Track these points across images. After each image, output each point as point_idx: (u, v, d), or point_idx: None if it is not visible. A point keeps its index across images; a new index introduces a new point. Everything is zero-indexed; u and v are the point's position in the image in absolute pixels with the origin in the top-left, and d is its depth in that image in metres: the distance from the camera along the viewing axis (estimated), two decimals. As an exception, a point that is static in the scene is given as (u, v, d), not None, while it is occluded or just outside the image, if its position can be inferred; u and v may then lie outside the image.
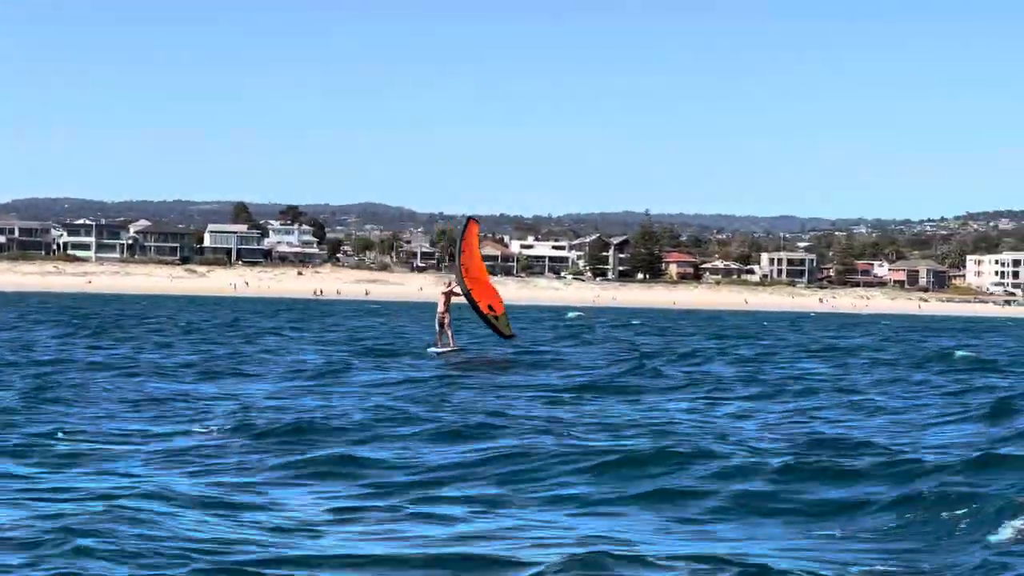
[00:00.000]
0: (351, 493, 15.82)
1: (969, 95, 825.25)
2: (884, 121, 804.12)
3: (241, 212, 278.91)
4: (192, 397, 26.93)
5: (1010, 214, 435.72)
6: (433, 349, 45.24)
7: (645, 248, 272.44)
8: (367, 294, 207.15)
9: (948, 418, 24.90)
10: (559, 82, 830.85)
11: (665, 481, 16.40)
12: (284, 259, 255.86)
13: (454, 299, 45.00)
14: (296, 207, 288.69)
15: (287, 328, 68.64)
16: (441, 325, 45.17)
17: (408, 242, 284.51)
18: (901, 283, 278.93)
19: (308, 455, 18.32)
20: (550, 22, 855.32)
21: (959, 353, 51.16)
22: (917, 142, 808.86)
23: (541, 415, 24.28)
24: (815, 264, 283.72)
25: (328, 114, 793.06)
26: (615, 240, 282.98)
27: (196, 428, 21.29)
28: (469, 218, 47.42)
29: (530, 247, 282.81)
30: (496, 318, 45.28)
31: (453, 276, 46.77)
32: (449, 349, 44.71)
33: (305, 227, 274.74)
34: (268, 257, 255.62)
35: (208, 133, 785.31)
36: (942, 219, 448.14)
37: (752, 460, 17.78)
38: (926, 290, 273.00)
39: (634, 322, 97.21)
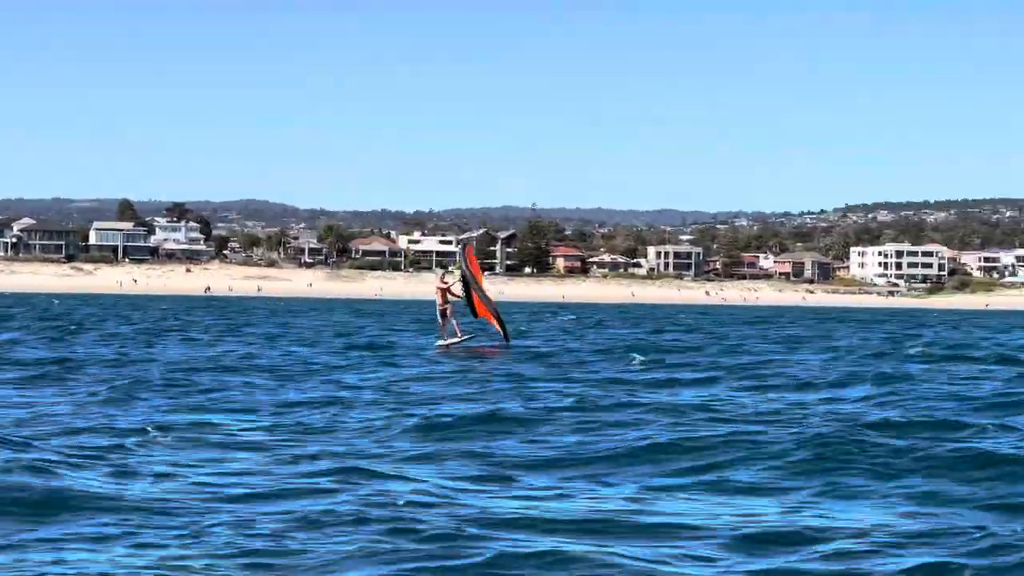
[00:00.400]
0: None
1: (844, 91, 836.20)
2: (763, 115, 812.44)
3: (126, 210, 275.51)
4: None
5: (888, 206, 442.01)
6: (440, 342, 44.60)
7: (532, 242, 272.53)
8: (259, 290, 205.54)
9: None
10: (434, 77, 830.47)
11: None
12: (171, 256, 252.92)
13: (452, 297, 44.42)
14: (182, 204, 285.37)
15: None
16: (444, 316, 44.47)
17: (296, 238, 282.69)
18: (787, 275, 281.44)
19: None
20: (425, 16, 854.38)
21: None
22: (795, 136, 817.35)
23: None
24: (701, 257, 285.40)
25: (207, 111, 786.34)
26: (502, 235, 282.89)
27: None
28: (465, 244, 47.86)
29: (417, 242, 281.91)
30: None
31: (445, 272, 46.68)
32: (457, 340, 44.18)
33: (192, 224, 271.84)
34: (155, 254, 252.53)
35: (86, 132, 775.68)
36: (821, 211, 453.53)
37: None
38: (812, 281, 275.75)
39: (565, 316, 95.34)
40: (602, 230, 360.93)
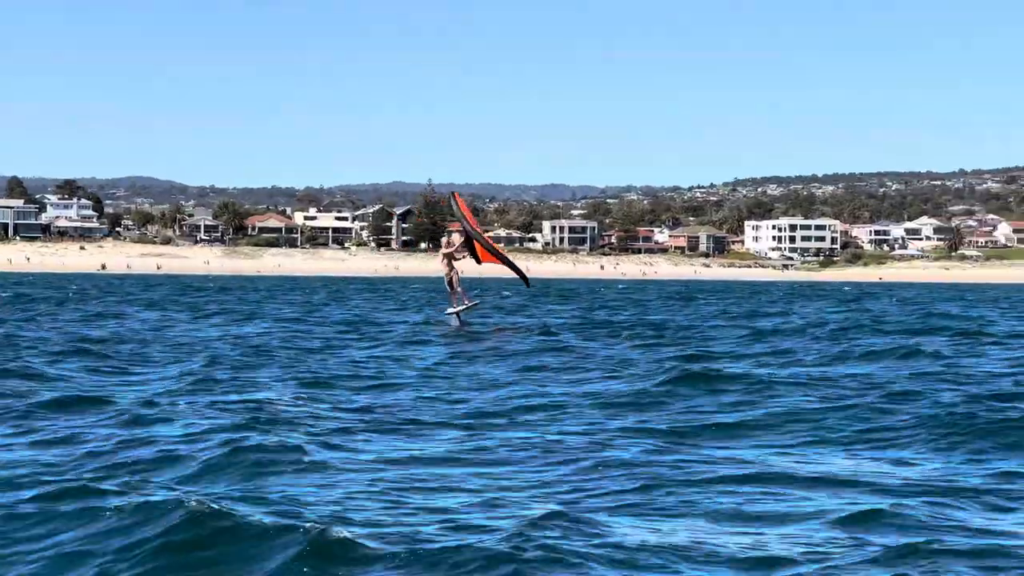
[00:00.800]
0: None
1: (729, 66, 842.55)
2: (652, 90, 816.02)
3: (16, 187, 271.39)
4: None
5: (777, 180, 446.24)
6: (451, 310, 43.86)
7: (428, 218, 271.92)
8: (159, 268, 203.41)
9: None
10: (320, 53, 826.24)
11: None
12: (64, 234, 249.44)
13: (457, 261, 43.70)
14: (73, 181, 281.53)
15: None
16: (451, 285, 43.58)
17: (190, 215, 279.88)
18: (682, 249, 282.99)
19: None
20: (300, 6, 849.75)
21: None
22: (683, 111, 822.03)
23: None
24: (596, 231, 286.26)
25: (91, 87, 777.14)
26: (398, 210, 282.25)
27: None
28: (452, 193, 46.72)
29: (313, 219, 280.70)
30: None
31: (450, 238, 45.41)
32: (466, 306, 43.81)
33: (84, 201, 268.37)
34: (47, 232, 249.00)
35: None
36: (712, 185, 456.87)
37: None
38: (707, 255, 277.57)
39: (506, 293, 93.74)
40: (492, 205, 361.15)
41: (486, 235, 47.37)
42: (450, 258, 43.29)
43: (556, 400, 20.52)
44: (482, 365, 27.33)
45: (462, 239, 43.70)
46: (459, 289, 43.60)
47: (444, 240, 44.83)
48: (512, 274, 45.30)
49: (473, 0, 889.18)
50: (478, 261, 43.54)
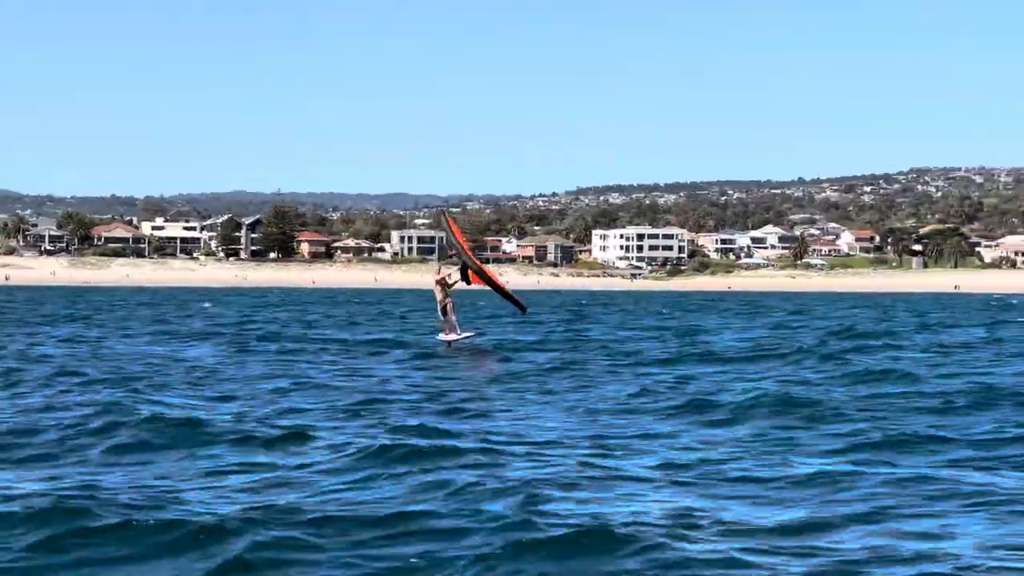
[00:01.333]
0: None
1: (572, 73, 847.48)
2: (493, 97, 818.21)
3: None
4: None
5: (619, 188, 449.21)
6: (442, 337, 42.59)
7: (278, 228, 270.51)
8: (8, 279, 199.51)
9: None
10: (149, 64, 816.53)
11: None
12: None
13: (451, 286, 42.68)
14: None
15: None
16: (444, 311, 42.23)
17: (35, 225, 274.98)
18: (530, 259, 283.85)
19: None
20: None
21: None
22: (525, 119, 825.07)
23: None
24: (445, 241, 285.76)
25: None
26: (247, 220, 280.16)
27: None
28: (442, 211, 46.22)
29: (161, 228, 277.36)
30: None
31: (442, 265, 44.67)
32: (459, 336, 42.25)
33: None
34: None
35: None
36: (554, 194, 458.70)
37: None
38: (556, 265, 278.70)
39: (359, 305, 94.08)
40: (335, 214, 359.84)
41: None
42: (443, 285, 42.24)
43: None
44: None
45: (458, 267, 43.00)
46: (453, 317, 42.31)
47: (437, 267, 43.92)
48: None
49: (310, 7, 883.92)
50: (467, 282, 42.95)
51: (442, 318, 42.60)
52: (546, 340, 47.03)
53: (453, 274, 42.36)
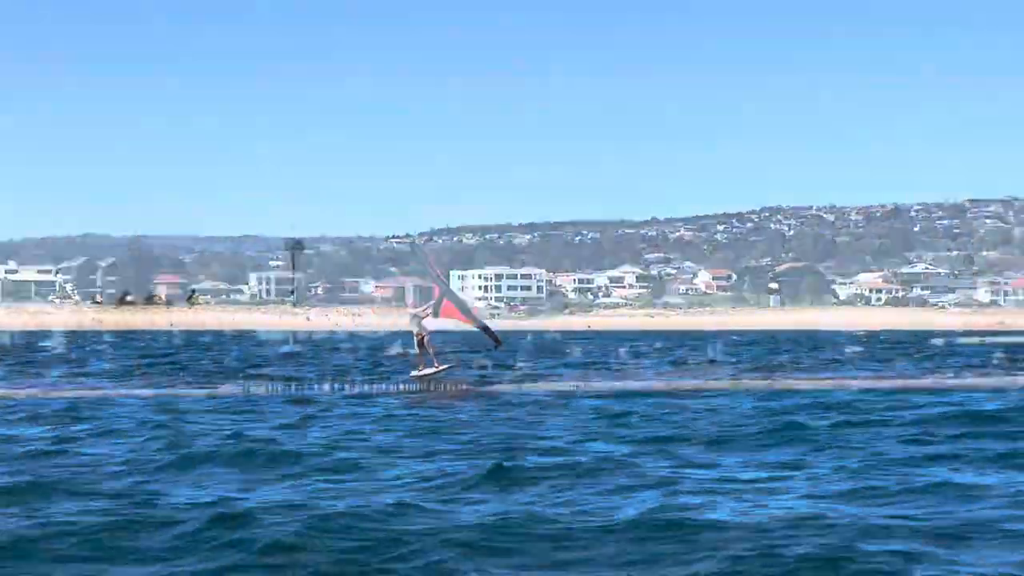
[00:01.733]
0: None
1: (418, 115, 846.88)
2: (339, 139, 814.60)
3: None
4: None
5: (472, 228, 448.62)
6: (415, 373, 42.91)
7: (135, 270, 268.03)
8: None
9: None
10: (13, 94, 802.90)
11: None
12: None
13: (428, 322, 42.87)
14: None
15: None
16: (420, 345, 42.61)
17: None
18: (389, 300, 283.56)
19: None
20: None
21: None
22: (374, 159, 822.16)
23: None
24: (304, 283, 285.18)
25: None
26: (103, 263, 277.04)
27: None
28: (412, 240, 46.39)
29: (15, 272, 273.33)
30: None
31: (420, 302, 44.99)
32: (433, 371, 42.45)
33: None
34: None
35: None
36: (407, 235, 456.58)
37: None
38: (416, 306, 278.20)
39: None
40: (187, 256, 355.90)
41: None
42: (418, 318, 42.75)
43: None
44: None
45: (432, 308, 43.34)
46: (430, 350, 42.81)
47: (413, 302, 44.62)
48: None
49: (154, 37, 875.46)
50: (436, 315, 43.28)
51: (417, 351, 43.17)
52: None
53: (428, 308, 42.99)
